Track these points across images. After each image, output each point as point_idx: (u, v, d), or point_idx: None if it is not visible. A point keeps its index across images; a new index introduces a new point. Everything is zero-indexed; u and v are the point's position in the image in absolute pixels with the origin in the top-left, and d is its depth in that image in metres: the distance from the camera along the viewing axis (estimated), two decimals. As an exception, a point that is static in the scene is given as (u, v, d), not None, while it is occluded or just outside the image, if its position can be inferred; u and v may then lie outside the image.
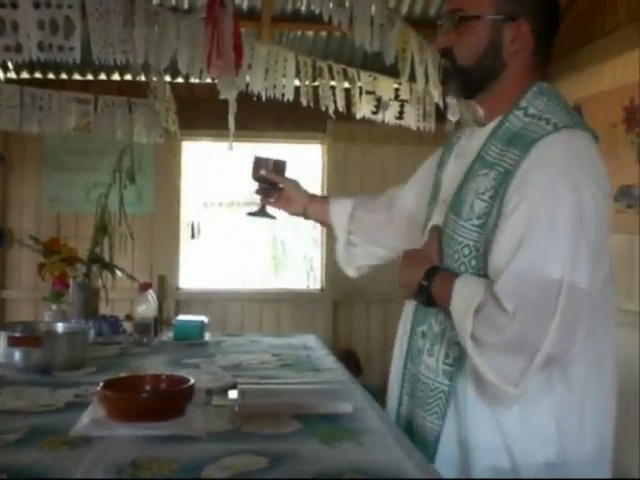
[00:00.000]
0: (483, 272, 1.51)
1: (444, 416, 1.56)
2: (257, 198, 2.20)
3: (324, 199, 2.22)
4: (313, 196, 2.21)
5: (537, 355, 1.39)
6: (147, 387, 1.57)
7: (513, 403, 1.48)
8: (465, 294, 1.48)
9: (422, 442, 1.58)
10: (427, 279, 1.58)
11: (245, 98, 4.04)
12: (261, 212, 2.21)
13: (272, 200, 2.16)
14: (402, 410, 1.71)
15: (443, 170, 1.75)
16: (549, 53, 1.66)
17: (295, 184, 2.18)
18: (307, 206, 2.17)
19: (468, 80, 1.62)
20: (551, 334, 1.38)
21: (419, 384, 1.63)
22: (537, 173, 1.45)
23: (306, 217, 2.20)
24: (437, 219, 1.68)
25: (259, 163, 2.17)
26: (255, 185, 2.18)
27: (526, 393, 1.45)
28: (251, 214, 2.24)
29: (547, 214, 1.43)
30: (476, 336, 1.43)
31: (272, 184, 2.16)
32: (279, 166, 2.18)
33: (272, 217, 2.22)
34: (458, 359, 1.55)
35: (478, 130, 1.66)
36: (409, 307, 1.73)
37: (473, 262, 1.53)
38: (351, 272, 2.15)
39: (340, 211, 2.13)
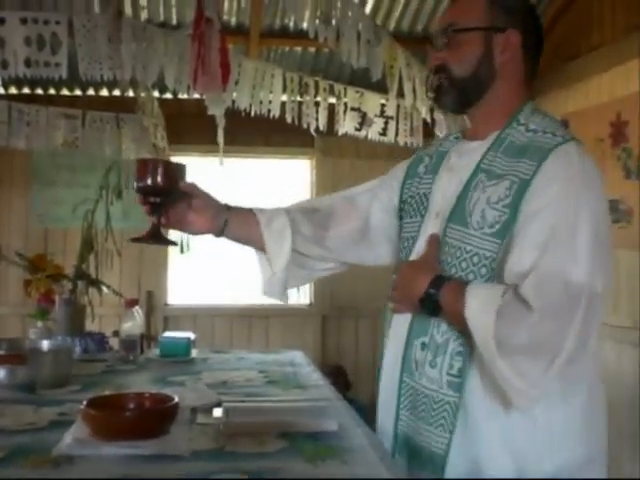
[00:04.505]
0: (492, 280, 1.53)
1: (452, 428, 1.54)
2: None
3: (247, 211, 1.85)
4: (232, 207, 1.83)
5: (559, 356, 1.42)
6: (131, 405, 1.56)
7: (530, 408, 1.48)
8: (482, 297, 1.49)
9: (429, 457, 1.58)
10: (435, 287, 1.57)
11: (234, 113, 4.05)
12: (153, 236, 1.69)
13: (165, 220, 1.73)
14: (401, 425, 1.67)
15: (432, 184, 1.76)
16: (535, 69, 1.72)
17: (205, 193, 1.77)
18: (227, 218, 1.79)
19: (464, 93, 1.68)
20: (571, 336, 1.42)
21: (420, 397, 1.61)
22: (557, 181, 1.50)
23: (222, 235, 1.81)
24: (430, 231, 1.68)
25: (145, 168, 1.64)
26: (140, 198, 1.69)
27: (538, 402, 1.48)
28: (138, 239, 1.72)
29: (571, 221, 1.48)
30: (500, 338, 1.43)
31: (164, 197, 1.67)
32: (176, 172, 1.68)
33: (170, 242, 1.77)
34: (462, 370, 1.54)
35: (469, 144, 1.71)
36: (401, 319, 1.69)
37: (483, 270, 1.55)
38: (282, 297, 1.89)
39: (277, 224, 1.83)
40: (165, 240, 1.74)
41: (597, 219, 1.50)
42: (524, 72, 1.69)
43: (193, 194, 1.74)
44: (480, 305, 1.47)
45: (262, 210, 1.86)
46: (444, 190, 1.70)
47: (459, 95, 1.68)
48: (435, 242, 1.64)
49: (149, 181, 1.63)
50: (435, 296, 1.57)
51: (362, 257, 1.96)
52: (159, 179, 1.63)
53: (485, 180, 1.59)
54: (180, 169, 1.69)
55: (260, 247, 1.85)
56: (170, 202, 1.69)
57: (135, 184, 1.65)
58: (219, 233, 1.80)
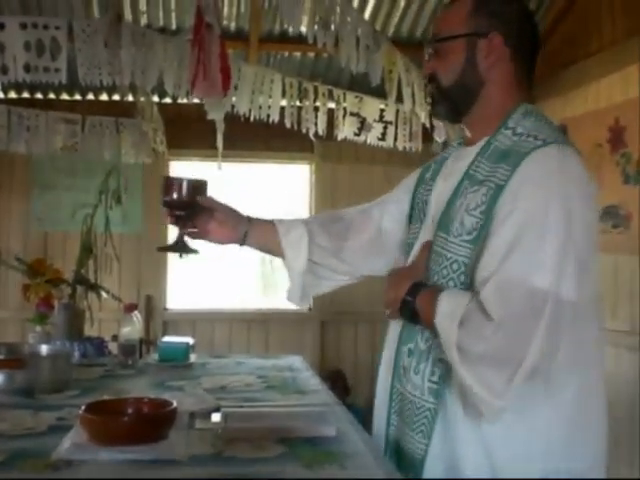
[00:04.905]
0: (472, 287, 1.50)
1: (430, 435, 1.54)
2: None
3: (267, 222, 1.97)
4: (253, 218, 1.96)
5: (522, 366, 1.38)
6: (129, 410, 1.56)
7: (498, 417, 1.45)
8: (450, 305, 1.47)
9: (410, 462, 1.58)
10: (411, 294, 1.58)
11: (233, 118, 4.06)
12: (178, 246, 1.89)
13: (195, 230, 1.90)
14: (391, 430, 1.68)
15: (431, 190, 1.76)
16: (530, 72, 1.68)
17: (226, 206, 1.91)
18: (248, 229, 1.92)
19: (453, 101, 1.67)
20: (536, 345, 1.38)
21: (406, 403, 1.61)
22: (529, 184, 1.45)
23: (243, 244, 1.94)
24: (426, 237, 1.68)
25: (170, 185, 1.85)
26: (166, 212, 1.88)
27: (512, 410, 1.44)
28: (163, 249, 1.99)
29: (538, 224, 1.43)
30: (462, 346, 1.42)
31: (189, 210, 1.85)
32: (197, 188, 1.86)
33: (192, 251, 1.90)
34: (444, 377, 1.53)
35: (465, 150, 1.70)
36: (395, 326, 1.71)
37: (462, 277, 1.53)
38: (300, 303, 1.99)
39: (294, 234, 1.93)
40: (189, 249, 1.90)
41: (572, 223, 1.43)
42: (514, 72, 1.64)
43: (213, 207, 1.88)
44: (447, 312, 1.46)
45: (281, 221, 1.97)
46: (439, 196, 1.70)
47: (450, 104, 1.67)
48: (426, 249, 1.64)
49: (174, 196, 1.83)
50: (411, 303, 1.58)
51: (376, 267, 1.97)
52: (183, 194, 1.83)
53: (468, 187, 1.57)
54: (202, 185, 1.87)
55: (280, 255, 1.97)
56: (194, 214, 1.87)
57: (162, 198, 1.85)
58: (241, 242, 1.94)
